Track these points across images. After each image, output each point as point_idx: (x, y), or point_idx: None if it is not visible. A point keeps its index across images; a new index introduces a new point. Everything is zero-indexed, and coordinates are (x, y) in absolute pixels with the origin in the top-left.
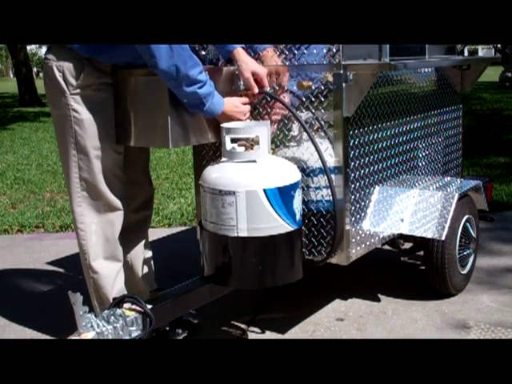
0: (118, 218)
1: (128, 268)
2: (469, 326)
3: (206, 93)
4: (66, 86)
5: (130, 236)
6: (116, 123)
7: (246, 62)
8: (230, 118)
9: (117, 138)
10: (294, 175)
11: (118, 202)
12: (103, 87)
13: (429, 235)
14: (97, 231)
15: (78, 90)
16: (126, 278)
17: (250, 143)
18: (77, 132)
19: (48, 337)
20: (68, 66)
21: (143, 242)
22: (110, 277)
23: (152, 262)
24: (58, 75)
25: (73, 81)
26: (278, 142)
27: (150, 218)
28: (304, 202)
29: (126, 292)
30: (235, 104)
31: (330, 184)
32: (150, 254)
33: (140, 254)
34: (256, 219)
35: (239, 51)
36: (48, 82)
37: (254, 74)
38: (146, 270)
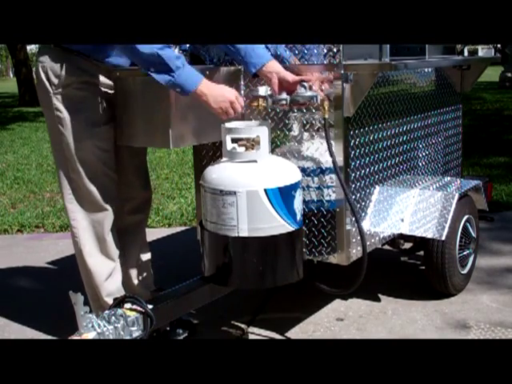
0: (106, 218)
1: (123, 269)
2: (469, 326)
3: (171, 56)
4: (50, 86)
5: (124, 238)
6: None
7: (278, 71)
8: (208, 103)
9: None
10: (294, 175)
11: (105, 202)
12: (84, 86)
13: (429, 235)
14: (88, 229)
15: (60, 90)
16: (122, 280)
17: (251, 143)
18: (61, 131)
19: (48, 337)
20: (50, 66)
21: (139, 245)
22: (102, 275)
23: (149, 264)
24: (43, 75)
25: (55, 80)
26: (279, 141)
27: (145, 222)
28: (304, 202)
29: (122, 292)
30: (225, 94)
31: (341, 185)
32: (146, 256)
33: (134, 256)
34: (257, 219)
35: (273, 64)
36: (37, 82)
37: (282, 81)
38: (142, 272)
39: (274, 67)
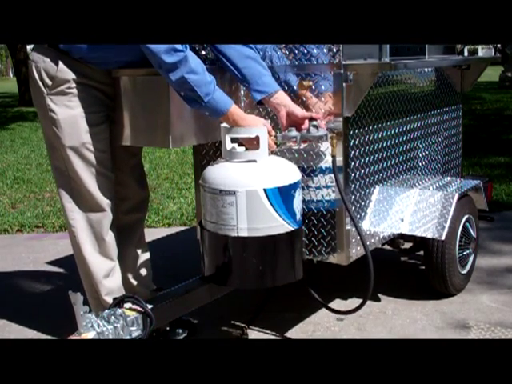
0: (105, 218)
1: (122, 269)
2: (469, 326)
3: (201, 81)
4: (44, 87)
5: (120, 237)
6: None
7: (286, 105)
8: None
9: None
10: (294, 175)
11: (104, 202)
12: (79, 87)
13: (429, 235)
14: (86, 228)
15: (54, 90)
16: (121, 279)
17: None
18: (56, 132)
19: (48, 337)
20: (44, 66)
21: (136, 244)
22: (101, 273)
23: (149, 263)
24: (37, 76)
25: (48, 81)
26: (278, 141)
27: (142, 221)
28: (304, 202)
29: (122, 291)
30: (253, 121)
31: (346, 207)
32: (145, 255)
33: (132, 255)
34: (256, 219)
35: (281, 95)
36: (31, 82)
37: (290, 115)
38: (141, 271)
39: (282, 99)
